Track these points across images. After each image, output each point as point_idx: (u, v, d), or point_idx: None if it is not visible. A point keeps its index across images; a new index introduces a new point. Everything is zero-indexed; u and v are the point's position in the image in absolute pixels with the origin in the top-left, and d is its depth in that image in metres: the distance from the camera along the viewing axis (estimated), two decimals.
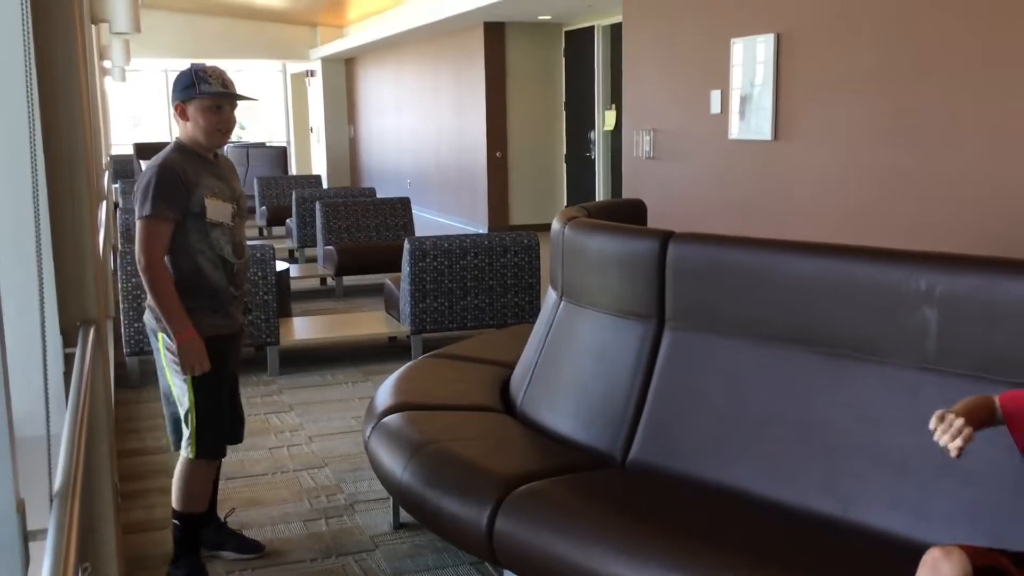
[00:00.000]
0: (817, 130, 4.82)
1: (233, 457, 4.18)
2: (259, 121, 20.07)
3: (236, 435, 3.22)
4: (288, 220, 9.93)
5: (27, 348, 1.87)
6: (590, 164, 11.06)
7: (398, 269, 6.25)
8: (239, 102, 3.00)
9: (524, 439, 3.17)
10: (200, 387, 2.97)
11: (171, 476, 3.16)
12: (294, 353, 5.92)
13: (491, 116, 11.63)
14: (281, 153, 15.69)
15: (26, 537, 1.26)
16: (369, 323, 6.41)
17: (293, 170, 17.85)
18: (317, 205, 8.33)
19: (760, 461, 2.63)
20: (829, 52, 4.72)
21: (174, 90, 2.97)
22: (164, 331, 2.94)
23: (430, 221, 12.98)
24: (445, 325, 5.83)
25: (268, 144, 17.31)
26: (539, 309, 5.76)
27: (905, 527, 2.27)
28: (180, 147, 2.99)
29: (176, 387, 3.00)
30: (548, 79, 11.74)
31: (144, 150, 14.75)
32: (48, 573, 1.11)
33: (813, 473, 2.51)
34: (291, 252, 9.45)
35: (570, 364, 3.29)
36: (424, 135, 13.88)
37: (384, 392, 3.61)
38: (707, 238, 2.99)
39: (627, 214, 3.96)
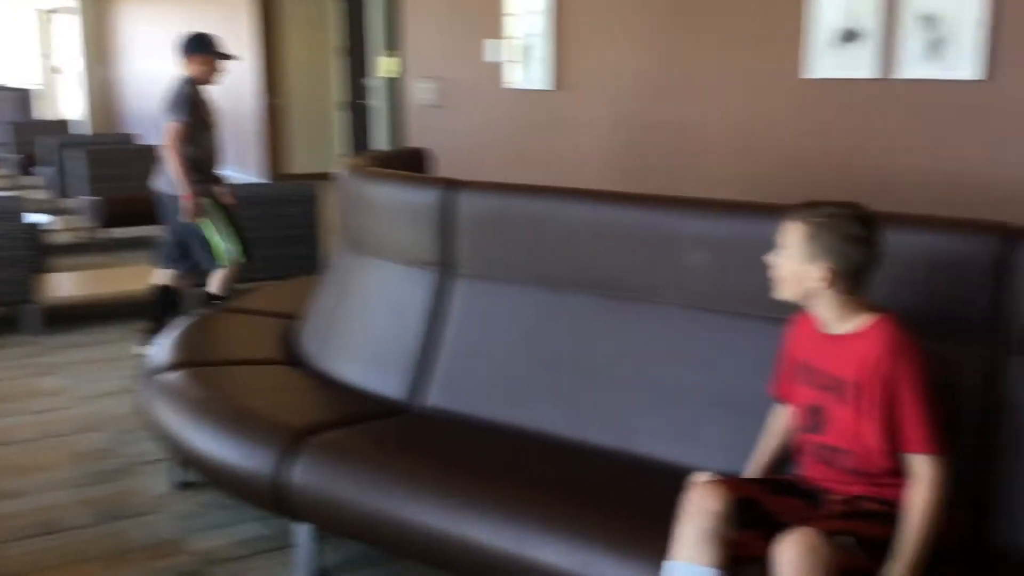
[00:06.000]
0: (594, 81, 4.98)
1: None
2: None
3: None
4: (38, 168, 9.20)
5: None
6: (367, 112, 10.91)
7: None
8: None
9: (315, 391, 3.14)
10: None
11: None
12: (57, 312, 5.53)
13: (264, 61, 11.20)
14: (23, 96, 14.38)
15: None
16: (141, 277, 6.07)
17: (39, 115, 16.45)
18: (82, 152, 7.78)
19: (549, 402, 2.74)
20: (604, 4, 4.88)
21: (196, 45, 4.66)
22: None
23: None
24: None
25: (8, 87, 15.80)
26: (321, 261, 5.68)
27: (681, 455, 2.45)
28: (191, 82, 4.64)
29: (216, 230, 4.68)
30: (322, 23, 11.42)
31: None
32: None
33: (598, 410, 2.65)
34: (48, 203, 8.76)
35: (361, 314, 3.28)
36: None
37: (161, 349, 3.47)
38: (493, 187, 3.06)
39: (410, 162, 3.96)
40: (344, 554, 2.92)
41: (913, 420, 1.92)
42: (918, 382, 1.94)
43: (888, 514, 1.94)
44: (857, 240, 1.99)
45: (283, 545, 2.96)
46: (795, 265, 2.02)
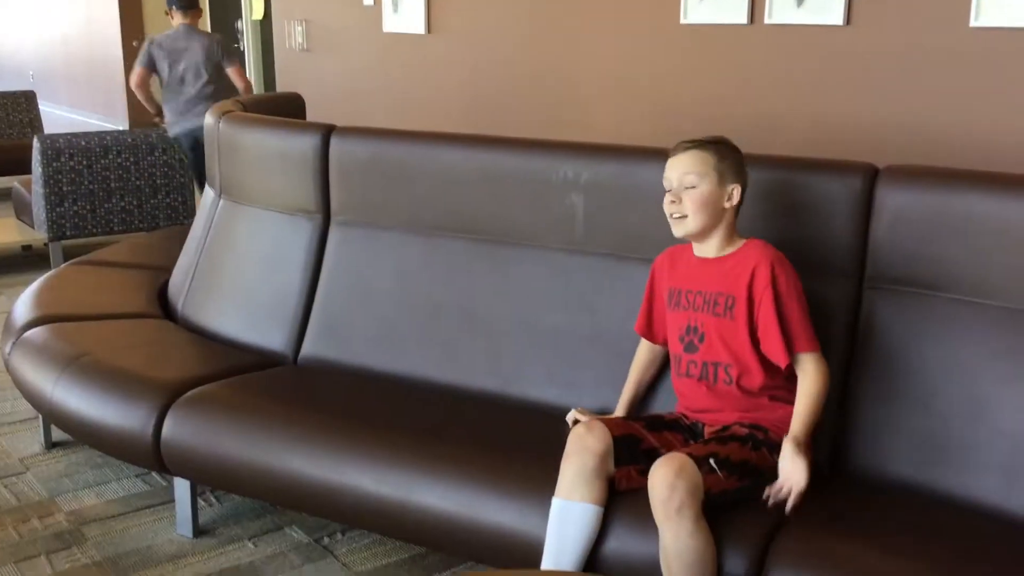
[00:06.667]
0: (467, 26, 4.93)
1: None
2: None
3: None
4: None
5: None
6: (239, 55, 10.53)
7: (27, 171, 5.67)
8: None
9: (189, 344, 3.05)
10: None
11: None
12: None
13: (124, 2, 10.65)
14: None
15: None
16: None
17: None
18: None
19: (428, 348, 2.74)
20: None
21: None
22: None
23: (61, 118, 11.77)
24: (88, 230, 5.38)
25: None
26: (194, 210, 5.50)
27: (561, 397, 2.48)
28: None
29: None
30: None
31: None
32: None
33: (478, 355, 2.66)
34: None
35: (234, 264, 3.19)
36: (46, 23, 12.46)
37: (23, 304, 3.30)
38: (368, 131, 3.00)
39: (285, 108, 3.85)
40: (228, 507, 2.87)
41: (797, 323, 2.05)
42: (799, 289, 2.07)
43: (755, 437, 2.02)
44: (743, 164, 2.13)
45: (162, 501, 2.89)
46: (709, 190, 2.08)
